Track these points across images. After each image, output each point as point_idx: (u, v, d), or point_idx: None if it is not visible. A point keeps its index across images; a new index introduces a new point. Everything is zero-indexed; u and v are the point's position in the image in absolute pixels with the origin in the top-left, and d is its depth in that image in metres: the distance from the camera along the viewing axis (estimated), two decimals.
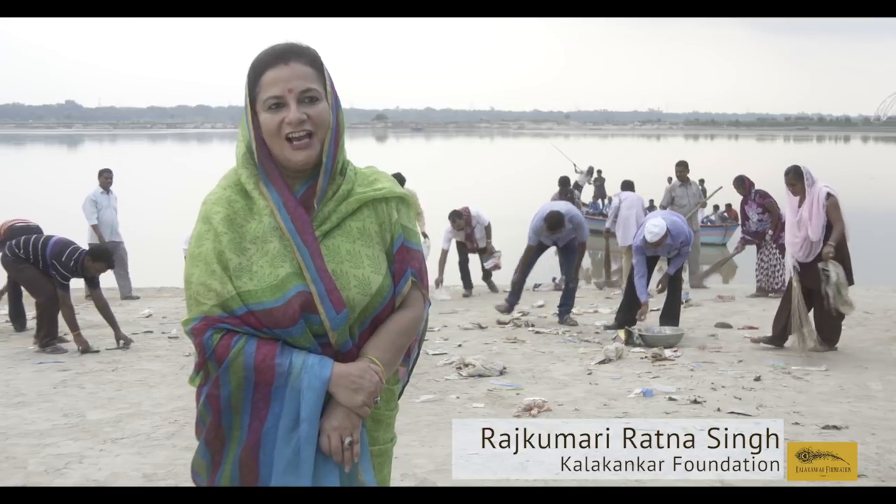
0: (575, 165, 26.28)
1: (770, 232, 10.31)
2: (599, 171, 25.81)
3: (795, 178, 6.94)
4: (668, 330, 7.74)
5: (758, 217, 10.45)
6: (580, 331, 8.23)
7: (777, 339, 7.24)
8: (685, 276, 10.58)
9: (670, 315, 8.07)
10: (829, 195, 6.82)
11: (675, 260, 8.08)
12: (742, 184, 10.58)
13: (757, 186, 10.63)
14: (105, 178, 10.51)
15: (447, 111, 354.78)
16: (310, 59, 1.87)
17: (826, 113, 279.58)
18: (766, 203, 10.38)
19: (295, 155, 1.83)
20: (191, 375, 1.89)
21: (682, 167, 11.45)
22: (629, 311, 8.13)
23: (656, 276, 8.66)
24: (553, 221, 8.47)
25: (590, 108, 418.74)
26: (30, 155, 66.58)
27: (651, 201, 22.19)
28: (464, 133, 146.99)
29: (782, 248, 10.01)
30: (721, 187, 11.84)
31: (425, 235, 10.06)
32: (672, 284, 8.17)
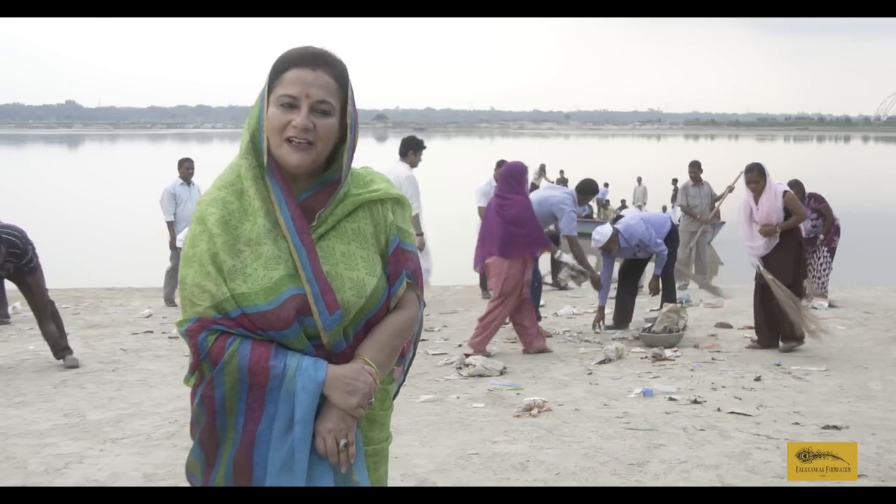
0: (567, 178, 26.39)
1: (822, 236, 9.83)
2: (562, 172, 25.97)
3: (759, 176, 7.31)
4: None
5: (811, 223, 9.83)
6: (580, 331, 8.23)
7: (773, 340, 7.25)
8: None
9: None
10: (785, 192, 7.26)
11: (657, 261, 8.22)
12: (801, 189, 9.78)
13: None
14: (186, 168, 9.73)
15: (447, 111, 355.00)
16: (337, 72, 1.86)
17: (826, 113, 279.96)
18: (821, 207, 9.88)
19: (291, 156, 1.83)
20: (185, 376, 1.90)
21: (695, 168, 11.40)
22: (623, 311, 8.30)
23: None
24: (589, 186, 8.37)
25: (590, 108, 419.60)
26: (30, 155, 66.54)
27: (623, 201, 22.35)
28: (464, 133, 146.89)
29: (832, 252, 9.97)
30: (742, 172, 11.61)
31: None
32: (665, 285, 8.40)
